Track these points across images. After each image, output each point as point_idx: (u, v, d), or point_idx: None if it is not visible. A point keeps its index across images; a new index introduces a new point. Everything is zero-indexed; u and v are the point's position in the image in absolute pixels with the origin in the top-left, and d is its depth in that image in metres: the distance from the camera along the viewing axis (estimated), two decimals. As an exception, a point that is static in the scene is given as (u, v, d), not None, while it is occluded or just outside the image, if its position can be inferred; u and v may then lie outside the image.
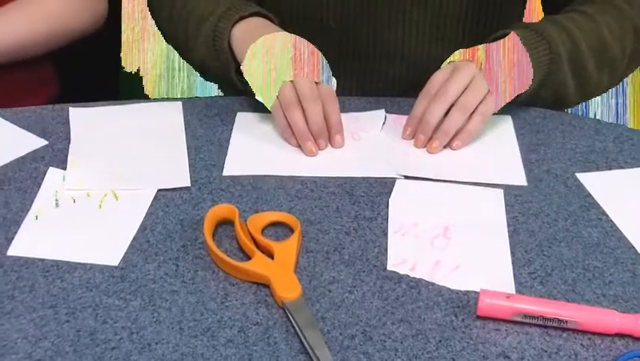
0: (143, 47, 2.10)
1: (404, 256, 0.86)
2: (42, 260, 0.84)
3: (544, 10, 1.25)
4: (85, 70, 1.38)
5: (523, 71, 1.02)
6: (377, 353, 0.74)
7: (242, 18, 1.08)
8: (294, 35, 1.05)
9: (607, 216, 0.92)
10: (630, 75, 1.21)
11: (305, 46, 1.03)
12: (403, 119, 1.06)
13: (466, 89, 1.00)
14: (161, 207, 0.92)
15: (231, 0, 1.12)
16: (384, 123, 1.07)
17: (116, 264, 0.84)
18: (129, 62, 2.18)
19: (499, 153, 1.02)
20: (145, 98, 2.05)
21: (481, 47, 1.03)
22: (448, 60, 1.05)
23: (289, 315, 0.76)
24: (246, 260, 0.84)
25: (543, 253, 0.86)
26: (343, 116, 1.04)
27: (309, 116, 1.00)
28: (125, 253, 0.85)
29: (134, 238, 0.87)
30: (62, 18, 1.24)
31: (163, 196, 0.93)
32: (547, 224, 0.90)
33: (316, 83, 1.01)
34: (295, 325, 0.75)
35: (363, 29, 1.17)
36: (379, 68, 1.20)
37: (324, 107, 1.01)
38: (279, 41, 1.03)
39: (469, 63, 1.02)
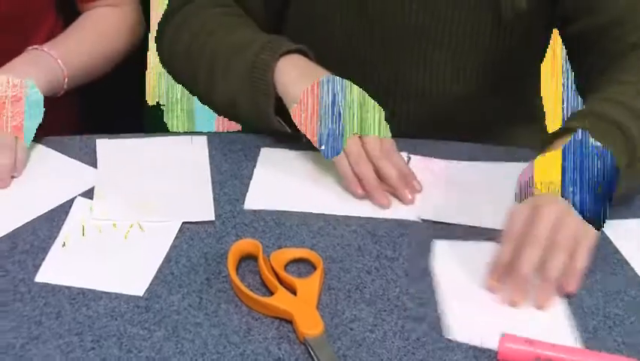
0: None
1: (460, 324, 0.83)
2: (69, 288, 0.85)
3: (572, 68, 1.19)
4: (108, 100, 1.39)
5: (607, 168, 0.90)
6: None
7: (288, 52, 1.06)
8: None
9: (628, 264, 0.92)
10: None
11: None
12: (428, 161, 1.07)
13: (559, 225, 0.86)
14: (186, 240, 0.93)
15: (267, 35, 1.10)
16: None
17: (141, 294, 0.85)
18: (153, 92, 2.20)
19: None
20: (165, 129, 2.08)
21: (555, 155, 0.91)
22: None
23: (311, 351, 0.77)
24: (269, 295, 0.84)
25: (564, 300, 0.87)
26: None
27: (385, 171, 1.00)
28: (150, 283, 0.86)
29: (159, 270, 0.88)
30: (112, 38, 1.25)
31: (187, 229, 0.94)
32: (569, 270, 0.91)
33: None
34: None
35: (385, 68, 1.18)
36: (399, 107, 1.20)
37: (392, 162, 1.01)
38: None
39: (551, 197, 0.89)
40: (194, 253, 0.91)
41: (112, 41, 1.25)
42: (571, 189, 0.89)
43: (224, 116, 1.17)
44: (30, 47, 1.14)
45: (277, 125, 1.06)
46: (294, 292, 0.84)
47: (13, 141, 1.02)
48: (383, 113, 1.02)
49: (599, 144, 0.90)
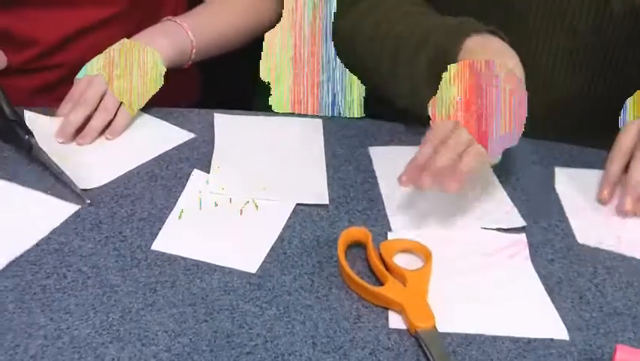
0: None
1: (587, 233, 0.94)
2: (184, 258, 0.86)
3: None
4: (225, 78, 1.41)
5: None
6: (506, 394, 0.74)
7: (476, 32, 1.00)
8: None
9: None
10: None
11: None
12: None
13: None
14: (299, 222, 0.93)
15: (452, 19, 1.05)
16: None
17: (254, 271, 0.86)
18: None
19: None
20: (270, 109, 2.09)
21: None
22: (629, 114, 1.01)
23: (423, 345, 0.77)
24: (378, 285, 0.84)
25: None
26: None
27: (439, 158, 0.90)
28: (263, 261, 0.87)
29: (272, 249, 0.89)
30: (248, 14, 1.27)
31: (301, 211, 0.95)
32: None
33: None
34: (429, 355, 0.76)
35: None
36: None
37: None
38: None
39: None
40: (306, 236, 0.91)
41: (248, 17, 1.26)
42: None
43: (405, 106, 1.09)
44: (165, 18, 1.17)
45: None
46: (403, 283, 0.84)
47: (114, 105, 1.06)
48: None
49: None
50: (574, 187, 1.03)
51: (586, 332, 0.81)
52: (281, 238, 0.91)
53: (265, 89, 2.14)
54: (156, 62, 1.09)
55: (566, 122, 1.17)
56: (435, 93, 0.96)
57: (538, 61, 1.15)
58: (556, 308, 0.84)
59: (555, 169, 1.07)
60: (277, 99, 1.88)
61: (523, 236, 0.94)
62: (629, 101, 1.02)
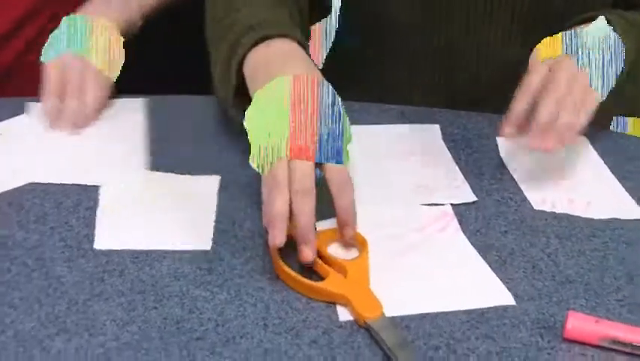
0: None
1: (542, 196, 0.96)
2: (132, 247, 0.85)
3: None
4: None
5: (617, 57, 0.98)
6: (460, 367, 0.74)
7: (266, 37, 0.93)
8: (293, 85, 0.86)
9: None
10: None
11: (306, 99, 0.85)
12: None
13: (571, 84, 0.94)
14: (250, 204, 0.92)
15: (273, 13, 1.00)
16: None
17: (209, 248, 0.85)
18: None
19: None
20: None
21: (568, 35, 0.99)
22: (537, 56, 0.99)
23: (375, 335, 0.75)
24: (319, 279, 0.82)
25: (632, 281, 0.85)
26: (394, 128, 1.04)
27: (295, 213, 0.81)
28: (214, 244, 0.86)
29: (223, 231, 0.88)
30: None
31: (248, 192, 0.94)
32: (638, 252, 0.89)
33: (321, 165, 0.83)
34: (384, 345, 0.74)
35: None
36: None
37: (335, 201, 0.83)
38: (276, 97, 0.86)
39: (567, 58, 0.96)
40: (259, 217, 0.90)
41: None
42: (584, 60, 0.96)
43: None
44: None
45: (234, 115, 0.96)
46: (343, 274, 0.82)
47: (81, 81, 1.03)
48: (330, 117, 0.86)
49: (618, 35, 0.98)
50: (518, 154, 1.04)
51: (538, 301, 0.81)
52: (232, 221, 0.89)
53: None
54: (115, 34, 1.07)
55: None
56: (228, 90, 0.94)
57: (480, 35, 1.15)
58: (509, 279, 0.84)
59: (497, 138, 1.07)
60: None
61: (448, 207, 0.93)
62: (540, 45, 1.01)
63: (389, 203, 0.94)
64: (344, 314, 0.78)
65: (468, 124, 1.11)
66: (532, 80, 0.96)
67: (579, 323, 0.76)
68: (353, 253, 0.86)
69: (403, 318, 0.78)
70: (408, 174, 0.99)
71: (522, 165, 1.02)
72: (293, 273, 0.81)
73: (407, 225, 0.91)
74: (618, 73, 0.97)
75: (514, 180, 1.00)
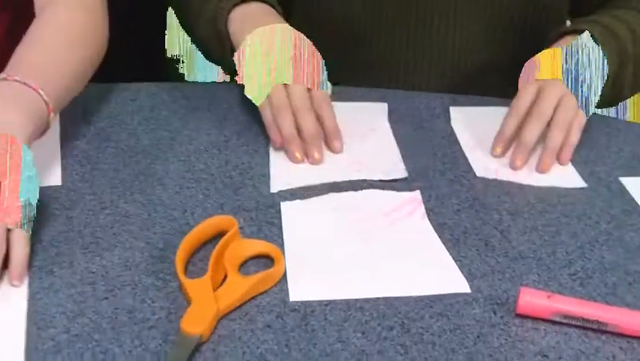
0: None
1: (486, 165, 0.98)
2: (82, 237, 0.84)
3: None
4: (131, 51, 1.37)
5: (600, 71, 1.02)
6: (414, 345, 0.74)
7: (243, 0, 1.06)
8: (294, 31, 1.03)
9: (650, 221, 0.91)
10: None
11: (306, 45, 1.02)
12: None
13: (558, 106, 0.99)
14: (201, 190, 0.92)
15: None
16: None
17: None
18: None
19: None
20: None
21: (558, 52, 1.02)
22: (535, 73, 1.02)
23: (172, 346, 0.72)
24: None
25: (584, 256, 0.85)
26: (342, 105, 1.04)
27: (301, 123, 0.98)
28: (166, 234, 0.85)
29: (174, 219, 0.87)
30: (87, 46, 0.99)
31: (204, 179, 0.93)
32: (590, 226, 0.90)
33: (309, 88, 1.00)
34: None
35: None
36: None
37: (319, 114, 0.99)
38: (279, 37, 1.01)
39: (555, 81, 1.01)
40: (209, 204, 0.90)
41: (88, 51, 0.99)
42: (571, 79, 1.01)
43: (209, 61, 1.19)
44: (1, 76, 0.88)
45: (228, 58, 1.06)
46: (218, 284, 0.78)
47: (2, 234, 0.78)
48: (321, 63, 1.02)
49: (599, 48, 1.02)
50: (468, 123, 1.06)
51: (491, 278, 0.82)
52: (184, 209, 0.89)
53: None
54: (25, 153, 0.82)
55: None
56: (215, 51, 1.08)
57: (444, 37, 1.17)
58: (462, 257, 0.84)
59: (450, 108, 1.09)
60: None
61: (417, 193, 0.93)
62: (528, 64, 1.04)
63: (319, 178, 0.94)
64: (295, 294, 0.78)
65: (422, 104, 1.11)
66: (521, 104, 1.00)
67: (531, 299, 0.77)
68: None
69: (357, 300, 0.78)
70: (344, 150, 1.00)
71: (471, 136, 1.04)
72: (179, 266, 0.78)
73: (373, 208, 0.90)
74: (602, 87, 1.01)
75: (466, 159, 1.00)
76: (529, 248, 0.86)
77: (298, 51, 1.01)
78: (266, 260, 0.82)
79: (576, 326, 0.77)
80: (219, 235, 0.82)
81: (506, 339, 0.75)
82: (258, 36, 1.01)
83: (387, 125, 1.05)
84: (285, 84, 0.99)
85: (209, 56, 1.17)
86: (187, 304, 0.75)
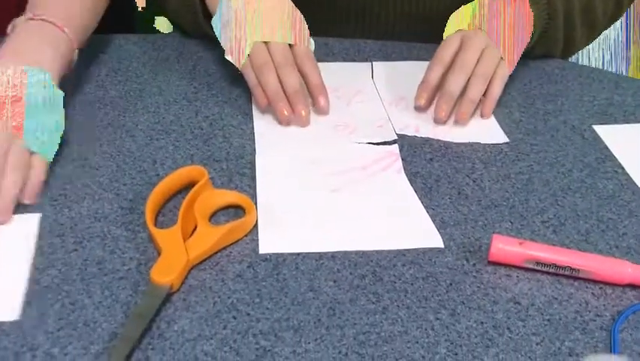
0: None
1: (406, 121, 0.96)
2: (50, 189, 0.83)
3: None
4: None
5: (525, 26, 1.01)
6: (386, 293, 0.73)
7: None
8: None
9: (623, 169, 0.91)
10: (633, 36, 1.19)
11: (285, 2, 0.99)
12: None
13: (480, 57, 0.97)
14: (172, 142, 0.91)
15: None
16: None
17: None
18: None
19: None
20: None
21: (483, 2, 1.01)
22: (453, 26, 1.01)
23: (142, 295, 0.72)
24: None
25: (557, 203, 0.85)
26: (326, 66, 1.02)
27: (285, 80, 0.94)
28: (135, 185, 0.84)
29: (144, 171, 0.86)
30: None
31: (174, 131, 0.92)
32: (563, 174, 0.89)
33: (291, 45, 0.97)
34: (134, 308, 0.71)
35: None
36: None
37: (302, 70, 0.96)
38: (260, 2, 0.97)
39: (478, 32, 0.99)
40: (179, 155, 0.88)
41: None
42: (494, 33, 0.99)
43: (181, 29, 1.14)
44: (25, 16, 0.91)
45: (210, 31, 1.04)
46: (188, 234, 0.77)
47: (26, 160, 0.82)
48: (299, 17, 0.99)
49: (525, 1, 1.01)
50: (390, 78, 1.05)
51: (464, 226, 0.81)
52: (153, 160, 0.88)
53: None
54: (55, 90, 0.87)
55: None
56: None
57: None
58: (435, 205, 0.84)
59: (373, 63, 1.08)
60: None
61: (395, 147, 0.92)
62: (453, 15, 1.03)
63: (307, 142, 0.92)
64: (265, 246, 0.77)
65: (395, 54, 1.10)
66: (445, 54, 0.98)
67: (503, 246, 0.76)
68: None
69: (332, 256, 0.78)
70: (331, 113, 0.97)
71: (393, 91, 1.03)
72: (149, 214, 0.78)
73: (350, 162, 0.90)
74: (527, 42, 1.02)
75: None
76: (502, 196, 0.86)
77: (279, 9, 0.97)
78: (237, 211, 0.82)
79: (548, 273, 0.77)
80: (190, 185, 0.81)
81: (479, 286, 0.75)
82: None
83: (372, 85, 1.04)
84: (266, 42, 0.96)
85: (183, 25, 1.11)
86: (157, 255, 0.75)
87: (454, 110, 0.96)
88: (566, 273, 0.76)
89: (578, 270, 0.76)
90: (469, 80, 0.96)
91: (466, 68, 0.96)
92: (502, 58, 0.99)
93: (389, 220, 0.82)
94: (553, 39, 1.07)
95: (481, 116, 0.98)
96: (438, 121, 0.96)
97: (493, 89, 0.98)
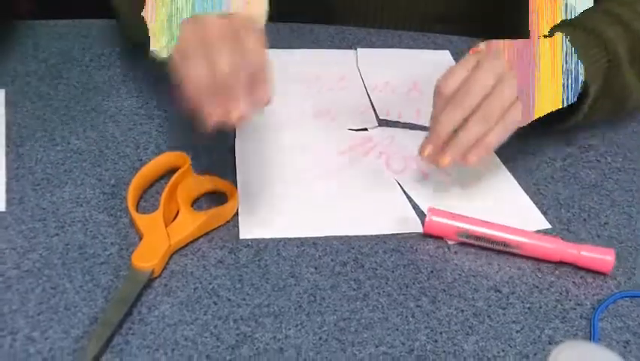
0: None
1: (389, 107, 0.95)
2: (32, 173, 0.82)
3: None
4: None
5: (573, 81, 0.83)
6: (368, 280, 0.74)
7: None
8: None
9: (605, 158, 0.91)
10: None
11: None
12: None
13: (490, 92, 0.78)
14: (155, 127, 0.90)
15: None
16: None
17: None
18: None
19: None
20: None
21: (513, 41, 0.82)
22: (472, 50, 0.82)
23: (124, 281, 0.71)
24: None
25: (540, 192, 0.85)
26: (311, 52, 1.02)
27: (213, 62, 0.68)
28: (117, 170, 0.84)
29: (127, 156, 0.85)
30: None
31: (158, 116, 0.92)
32: (545, 163, 0.90)
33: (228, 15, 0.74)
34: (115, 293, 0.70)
35: None
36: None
37: (238, 47, 0.70)
38: None
39: (497, 58, 0.79)
40: (162, 140, 0.88)
41: None
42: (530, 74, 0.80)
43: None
44: None
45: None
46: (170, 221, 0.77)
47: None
48: None
49: (576, 55, 0.83)
50: (374, 64, 1.04)
51: (446, 214, 0.81)
52: (136, 145, 0.87)
53: None
54: None
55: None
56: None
57: None
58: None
59: (358, 49, 1.07)
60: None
61: (375, 133, 0.92)
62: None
63: (288, 128, 0.92)
64: (245, 232, 0.77)
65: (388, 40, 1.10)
66: (450, 79, 0.79)
67: (437, 218, 0.77)
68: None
69: (312, 237, 0.78)
70: (310, 98, 0.97)
71: (376, 78, 1.02)
72: (131, 203, 0.78)
73: (330, 147, 0.89)
74: (574, 96, 0.83)
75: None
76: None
77: None
78: (219, 197, 0.81)
79: (481, 247, 0.78)
80: (172, 171, 0.81)
81: (460, 274, 0.75)
82: None
83: (356, 71, 1.03)
84: (195, 17, 0.73)
85: (124, 19, 0.96)
86: (138, 240, 0.75)
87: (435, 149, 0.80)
88: (501, 248, 0.77)
89: (509, 244, 0.77)
90: (469, 118, 0.77)
91: (466, 103, 0.77)
92: (517, 98, 0.79)
93: (370, 206, 0.82)
94: (621, 86, 0.88)
95: (464, 162, 0.79)
96: (423, 158, 0.80)
97: (491, 135, 0.78)
